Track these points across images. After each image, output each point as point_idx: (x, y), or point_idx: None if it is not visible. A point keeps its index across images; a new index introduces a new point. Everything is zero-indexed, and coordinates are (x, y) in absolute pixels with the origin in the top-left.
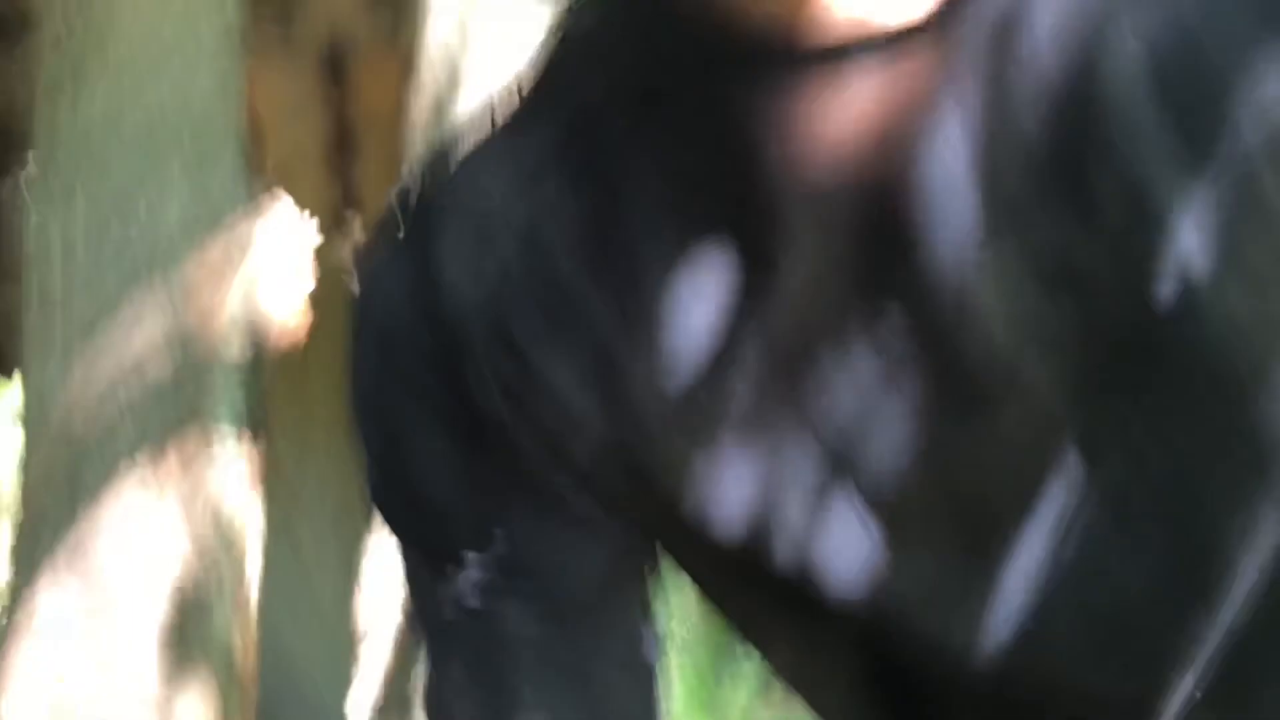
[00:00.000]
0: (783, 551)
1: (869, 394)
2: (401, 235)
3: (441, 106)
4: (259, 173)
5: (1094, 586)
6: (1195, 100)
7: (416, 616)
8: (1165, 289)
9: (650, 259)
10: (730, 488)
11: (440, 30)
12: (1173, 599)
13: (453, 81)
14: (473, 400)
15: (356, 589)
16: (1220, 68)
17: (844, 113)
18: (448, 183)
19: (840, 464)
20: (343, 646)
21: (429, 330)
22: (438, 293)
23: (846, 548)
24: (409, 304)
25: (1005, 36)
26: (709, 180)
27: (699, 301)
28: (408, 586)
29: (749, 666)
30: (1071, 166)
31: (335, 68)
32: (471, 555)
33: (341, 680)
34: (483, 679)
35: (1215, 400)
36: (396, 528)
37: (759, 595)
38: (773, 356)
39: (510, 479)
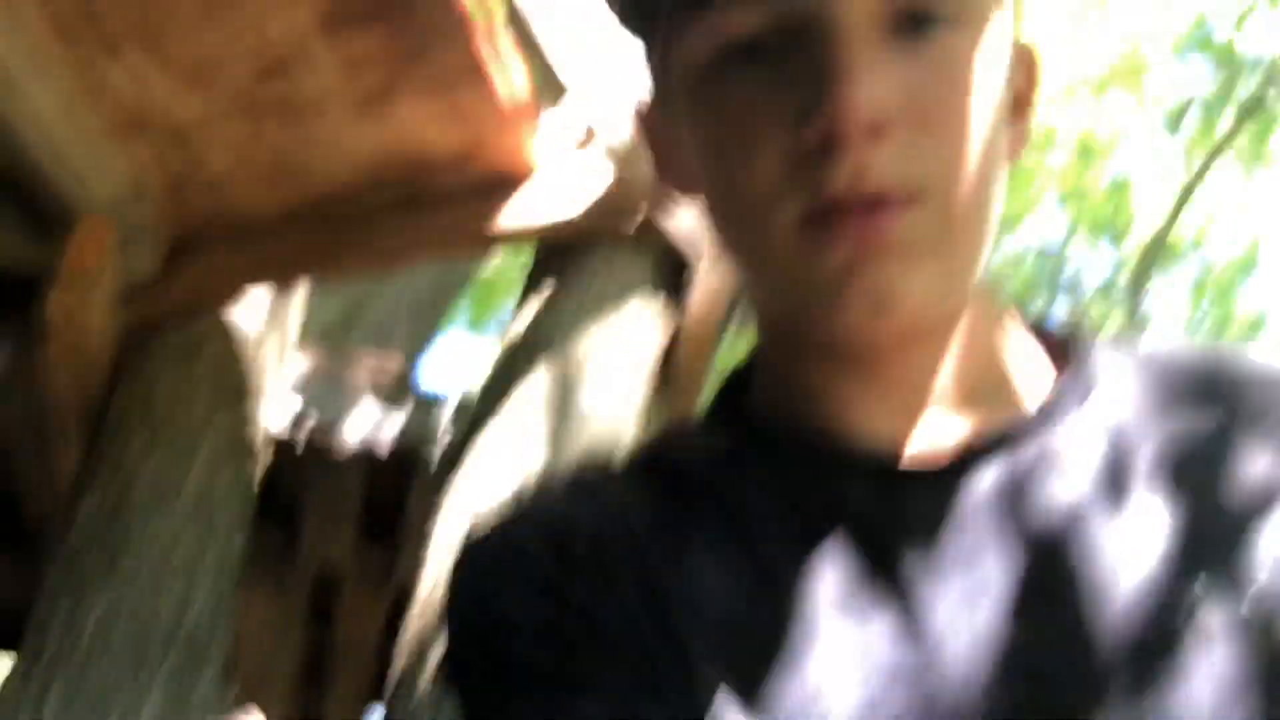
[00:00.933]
0: None
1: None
2: (494, 531)
3: (424, 646)
4: (235, 689)
5: None
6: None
7: None
8: None
9: (699, 557)
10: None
11: (436, 571)
12: None
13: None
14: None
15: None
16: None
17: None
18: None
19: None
20: None
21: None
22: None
23: None
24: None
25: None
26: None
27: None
28: None
29: None
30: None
31: (321, 600)
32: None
33: None
34: None
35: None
36: None
37: None
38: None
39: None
